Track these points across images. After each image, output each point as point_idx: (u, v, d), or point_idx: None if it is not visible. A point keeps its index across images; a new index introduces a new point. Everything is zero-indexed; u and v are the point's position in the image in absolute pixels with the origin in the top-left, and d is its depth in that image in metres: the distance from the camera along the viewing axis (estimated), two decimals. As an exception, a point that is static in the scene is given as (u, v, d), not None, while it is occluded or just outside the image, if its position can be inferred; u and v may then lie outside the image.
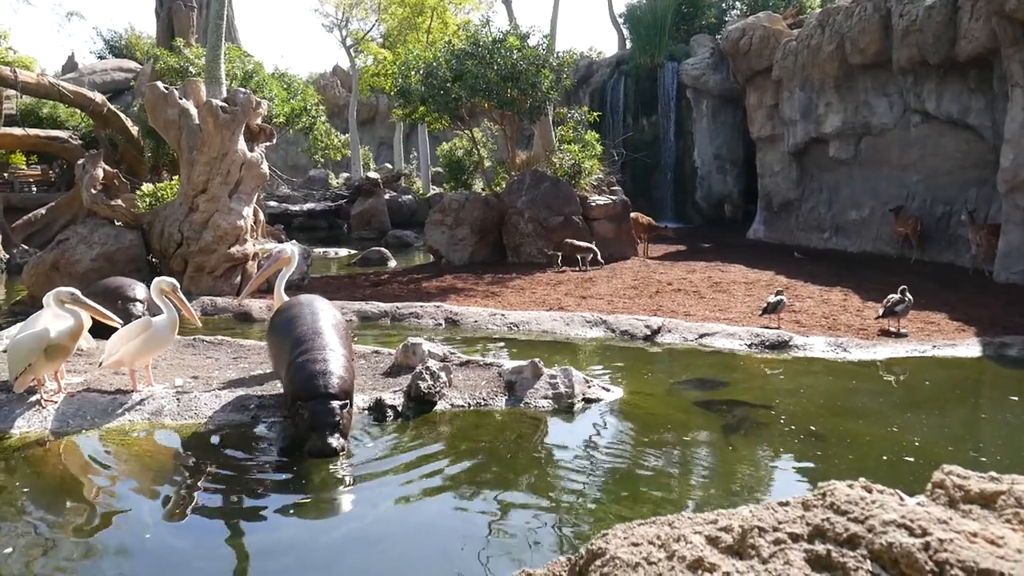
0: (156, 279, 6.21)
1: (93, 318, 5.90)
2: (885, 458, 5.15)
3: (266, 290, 7.63)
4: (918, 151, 16.40)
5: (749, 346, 8.55)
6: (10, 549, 3.67)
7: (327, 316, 5.69)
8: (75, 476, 4.80)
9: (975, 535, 1.73)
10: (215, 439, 5.27)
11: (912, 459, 5.10)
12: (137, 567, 3.64)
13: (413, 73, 17.86)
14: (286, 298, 6.63)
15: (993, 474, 2.01)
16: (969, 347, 8.40)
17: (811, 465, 5.06)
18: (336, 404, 4.89)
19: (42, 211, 19.74)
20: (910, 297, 9.25)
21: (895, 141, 17.01)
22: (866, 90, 17.43)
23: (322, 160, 30.57)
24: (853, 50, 17.05)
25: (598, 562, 1.89)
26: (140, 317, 8.21)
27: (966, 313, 10.17)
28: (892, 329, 9.19)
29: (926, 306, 10.45)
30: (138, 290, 8.98)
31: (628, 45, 30.60)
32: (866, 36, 16.53)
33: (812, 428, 5.70)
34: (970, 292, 12.08)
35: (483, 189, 20.06)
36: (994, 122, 14.19)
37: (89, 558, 3.66)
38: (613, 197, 17.72)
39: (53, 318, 5.70)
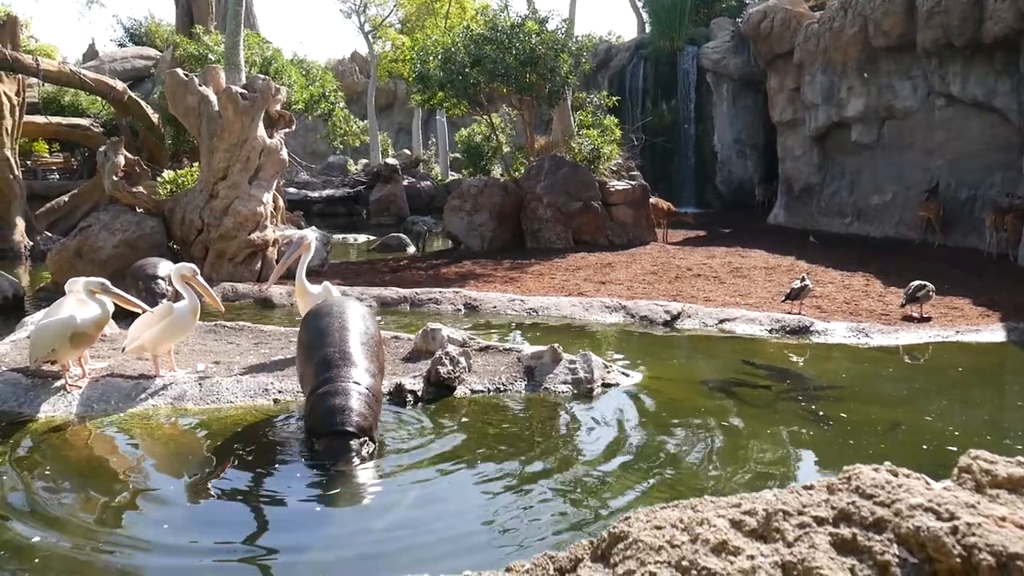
0: (176, 265, 6.25)
1: (116, 304, 5.95)
2: (911, 443, 5.12)
3: (287, 276, 7.66)
4: (942, 135, 16.18)
5: (770, 331, 8.50)
6: (37, 538, 3.71)
7: (356, 332, 5.21)
8: (99, 461, 4.85)
9: (1003, 519, 1.71)
10: (237, 424, 5.30)
11: (938, 445, 5.06)
12: (157, 555, 3.67)
13: (431, 59, 17.81)
14: (307, 284, 6.64)
15: (1020, 459, 1.99)
16: (993, 332, 8.31)
17: (834, 450, 5.03)
18: (354, 442, 4.61)
19: (64, 198, 19.91)
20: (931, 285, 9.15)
21: (919, 125, 16.80)
22: (889, 73, 17.21)
23: (341, 146, 30.67)
24: (876, 32, 16.82)
25: (621, 545, 1.89)
26: (165, 294, 8.33)
27: (990, 298, 10.06)
28: (915, 315, 9.11)
29: (949, 291, 10.33)
30: (160, 267, 9.04)
31: (647, 29, 30.41)
32: (890, 18, 16.30)
33: (834, 413, 5.66)
34: (994, 277, 11.94)
35: (502, 175, 20.04)
36: (1020, 104, 13.99)
37: (110, 545, 3.69)
38: (632, 182, 17.65)
39: (77, 305, 5.76)
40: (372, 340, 5.30)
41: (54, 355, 5.60)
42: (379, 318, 9.50)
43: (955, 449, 4.84)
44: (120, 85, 19.73)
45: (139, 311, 6.05)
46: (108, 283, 5.88)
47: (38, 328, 5.75)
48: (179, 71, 12.84)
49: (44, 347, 5.55)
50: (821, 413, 5.68)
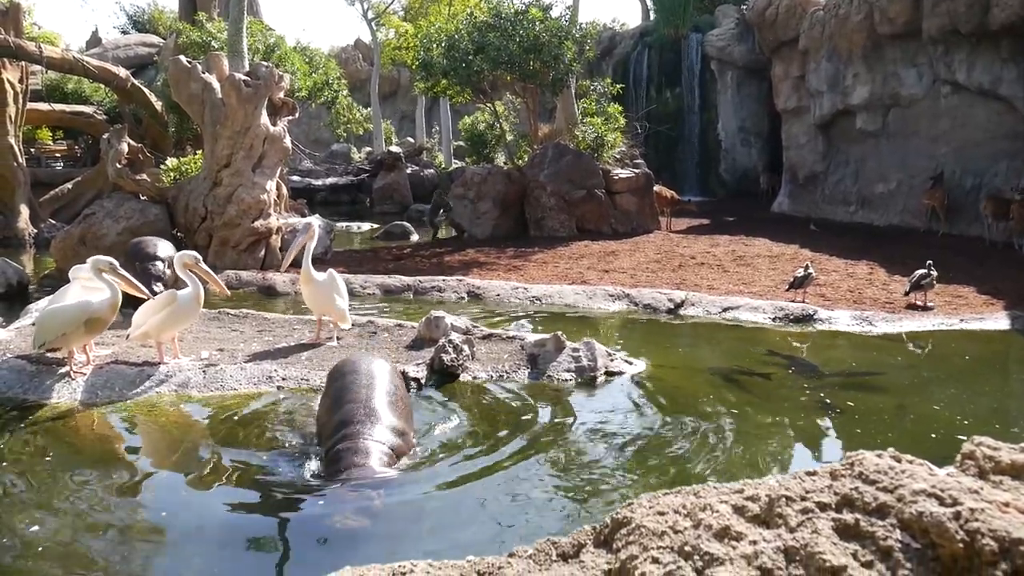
0: (179, 253, 6.25)
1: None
2: (918, 431, 5.11)
3: (292, 264, 7.65)
4: (948, 123, 16.09)
5: (773, 320, 8.49)
6: (36, 528, 3.72)
7: (382, 391, 4.78)
8: (103, 448, 4.87)
9: (1007, 505, 1.70)
10: (241, 411, 5.31)
11: (946, 432, 5.06)
12: (159, 544, 3.68)
13: (435, 46, 17.74)
14: (313, 271, 6.64)
15: (1024, 445, 1.98)
16: (997, 320, 8.29)
17: (840, 437, 5.04)
18: None
19: (68, 186, 19.92)
20: (934, 271, 9.12)
21: (924, 112, 16.70)
22: (895, 60, 17.10)
23: (344, 134, 30.58)
24: (882, 19, 16.71)
25: (623, 531, 1.89)
26: (161, 276, 8.34)
27: (994, 286, 10.04)
28: (919, 303, 9.09)
29: (953, 279, 10.31)
30: (160, 247, 9.02)
31: (652, 16, 30.24)
32: (896, 5, 16.18)
33: (840, 401, 5.66)
34: (997, 266, 11.90)
35: (505, 163, 19.97)
36: (1026, 92, 13.91)
37: (113, 533, 3.71)
38: (636, 170, 17.59)
39: (83, 291, 5.76)
40: (398, 399, 4.87)
41: (63, 340, 5.59)
42: (383, 305, 9.53)
43: (963, 437, 4.83)
44: (123, 72, 19.70)
45: (144, 296, 6.06)
46: (116, 263, 5.88)
47: (48, 312, 5.71)
48: (182, 58, 12.82)
49: (54, 331, 5.54)
50: (828, 401, 5.68)
